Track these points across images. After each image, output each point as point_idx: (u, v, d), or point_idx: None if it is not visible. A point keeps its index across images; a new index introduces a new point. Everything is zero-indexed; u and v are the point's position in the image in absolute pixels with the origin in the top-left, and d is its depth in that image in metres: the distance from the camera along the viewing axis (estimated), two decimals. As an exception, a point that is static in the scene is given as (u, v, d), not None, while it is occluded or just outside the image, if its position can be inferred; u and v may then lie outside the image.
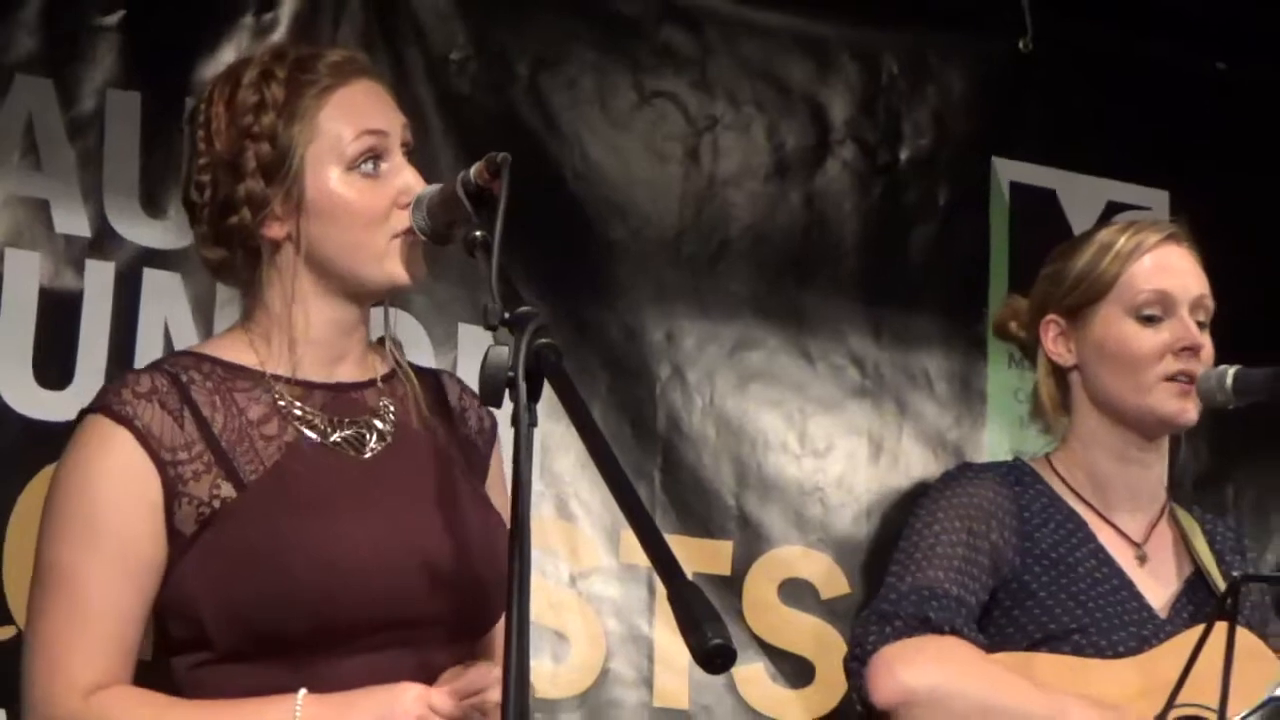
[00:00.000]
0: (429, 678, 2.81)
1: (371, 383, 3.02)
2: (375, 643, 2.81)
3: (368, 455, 2.95)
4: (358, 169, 2.93)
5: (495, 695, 2.72)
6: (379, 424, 2.98)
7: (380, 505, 2.88)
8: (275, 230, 2.92)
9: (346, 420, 2.96)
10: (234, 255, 2.97)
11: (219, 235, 2.96)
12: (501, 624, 2.77)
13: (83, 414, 2.89)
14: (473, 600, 2.88)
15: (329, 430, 2.94)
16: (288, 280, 2.95)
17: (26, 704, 2.81)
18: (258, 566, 2.78)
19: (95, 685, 2.78)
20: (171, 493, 2.82)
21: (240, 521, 2.82)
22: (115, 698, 2.79)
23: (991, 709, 3.35)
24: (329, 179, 2.92)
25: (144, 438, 2.82)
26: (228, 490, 2.83)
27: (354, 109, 2.96)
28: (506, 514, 3.00)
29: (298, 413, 2.93)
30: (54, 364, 3.93)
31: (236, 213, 2.92)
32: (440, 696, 2.77)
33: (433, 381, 3.13)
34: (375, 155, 2.94)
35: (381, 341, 3.09)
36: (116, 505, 2.82)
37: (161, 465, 2.82)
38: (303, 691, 2.75)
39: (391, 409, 3.00)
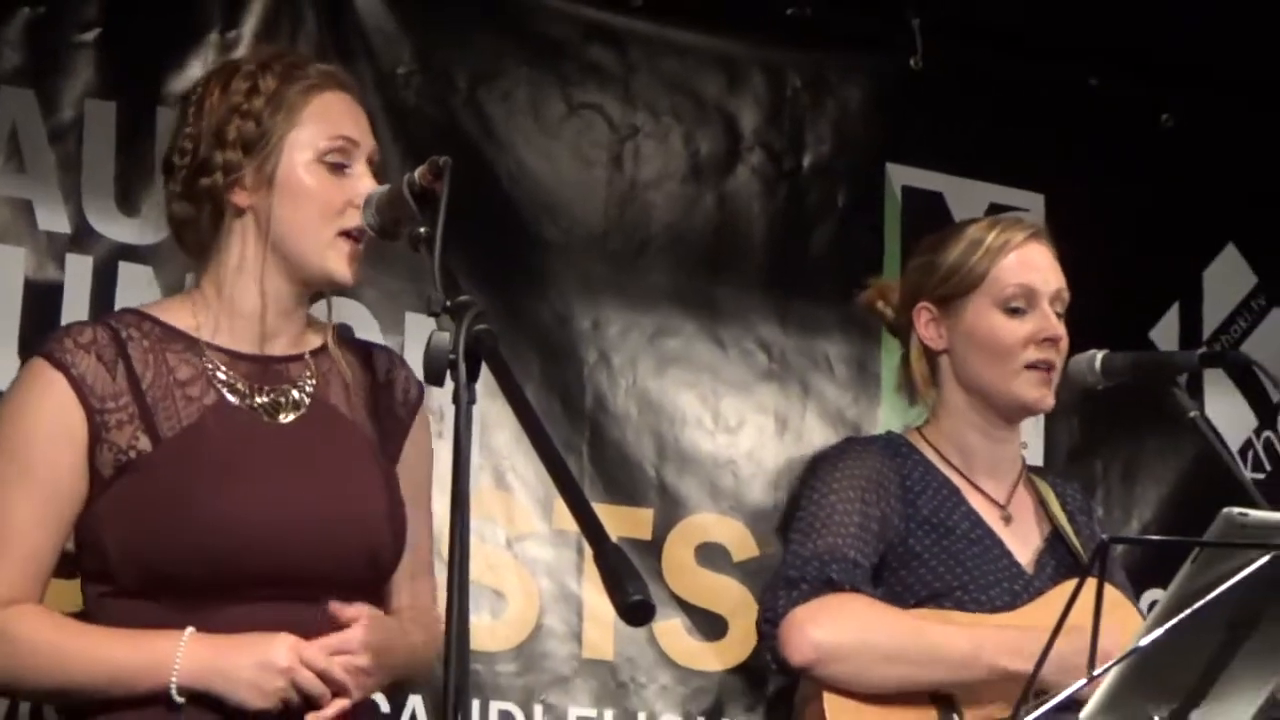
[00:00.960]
0: (314, 631, 2.82)
1: (299, 357, 3.01)
2: (264, 594, 2.82)
3: (282, 421, 2.95)
4: (325, 163, 2.94)
5: (361, 660, 2.82)
6: (296, 394, 2.98)
7: (283, 469, 2.89)
8: (242, 198, 2.94)
9: (267, 389, 2.96)
10: (200, 214, 2.97)
11: (191, 193, 2.97)
12: (394, 580, 2.89)
13: (32, 357, 2.92)
14: (360, 562, 2.89)
15: (249, 396, 2.94)
16: (241, 248, 2.96)
17: None
18: (160, 516, 2.80)
19: (8, 600, 2.81)
20: (95, 437, 2.84)
21: (151, 473, 2.84)
22: (24, 613, 2.81)
23: (904, 652, 3.35)
24: (298, 164, 2.94)
25: (77, 384, 2.85)
26: (145, 443, 2.85)
27: (333, 113, 2.99)
28: (428, 474, 3.11)
29: (222, 377, 2.93)
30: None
31: (210, 175, 2.94)
32: (311, 649, 2.79)
33: (364, 355, 3.12)
34: (343, 157, 2.96)
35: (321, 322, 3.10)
36: (45, 440, 2.85)
37: (90, 411, 2.84)
38: (189, 629, 2.77)
39: (312, 382, 3.00)
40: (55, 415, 2.85)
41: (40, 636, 2.80)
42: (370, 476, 2.97)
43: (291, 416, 2.96)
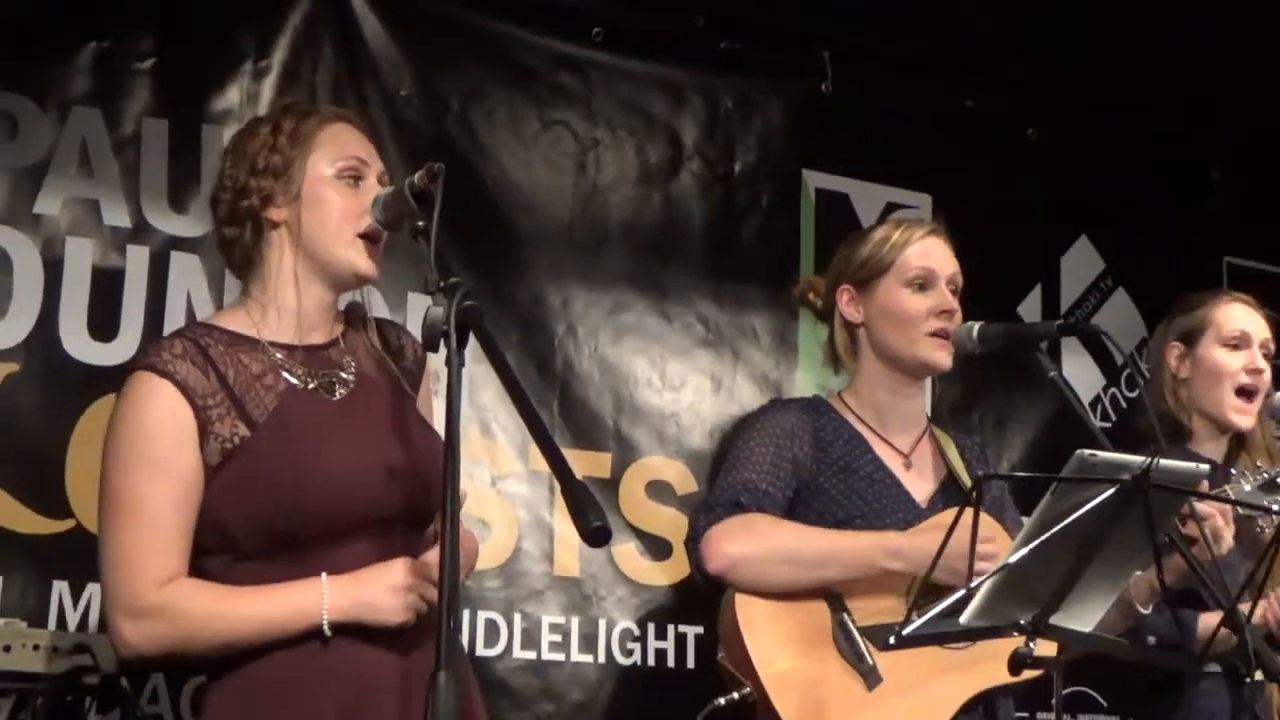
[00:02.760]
0: (399, 557, 2.82)
1: (334, 342, 2.99)
2: (357, 536, 2.81)
3: (338, 398, 2.93)
4: (341, 179, 2.94)
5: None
6: (343, 374, 2.96)
7: (353, 433, 2.87)
8: (276, 215, 2.92)
9: (319, 372, 2.93)
10: (243, 232, 2.95)
11: (233, 215, 2.95)
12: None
13: (130, 371, 2.86)
14: (422, 497, 2.87)
15: (308, 380, 2.91)
16: (280, 256, 2.94)
17: (113, 606, 2.77)
18: (274, 486, 2.77)
19: (167, 578, 2.76)
20: (203, 430, 2.80)
21: (255, 453, 2.80)
22: (184, 586, 2.77)
23: (799, 555, 3.35)
24: (319, 181, 2.92)
25: (182, 388, 2.80)
26: (244, 430, 2.81)
27: (343, 138, 2.98)
28: (435, 422, 3.03)
29: (284, 366, 2.90)
30: (103, 323, 3.90)
31: (248, 199, 2.92)
32: (419, 566, 2.79)
33: (377, 329, 3.10)
34: (356, 174, 2.95)
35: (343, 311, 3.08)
36: (165, 436, 2.79)
37: (196, 409, 2.80)
38: (323, 575, 2.75)
39: (352, 362, 2.98)
40: (169, 415, 2.80)
41: (201, 604, 2.76)
42: (414, 428, 2.96)
43: (344, 392, 2.93)
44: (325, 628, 2.74)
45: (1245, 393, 3.91)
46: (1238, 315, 3.96)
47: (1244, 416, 3.90)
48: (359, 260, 2.93)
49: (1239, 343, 3.94)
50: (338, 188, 2.93)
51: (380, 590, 2.76)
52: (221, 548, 2.81)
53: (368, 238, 2.93)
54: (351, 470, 2.81)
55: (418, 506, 2.88)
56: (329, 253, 2.93)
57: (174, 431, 2.79)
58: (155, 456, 2.78)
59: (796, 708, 3.26)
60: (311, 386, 2.91)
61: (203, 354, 2.85)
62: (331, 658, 2.75)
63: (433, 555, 2.78)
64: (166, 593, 2.75)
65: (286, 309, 2.94)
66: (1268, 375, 3.91)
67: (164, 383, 2.80)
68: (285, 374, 2.89)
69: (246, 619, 2.75)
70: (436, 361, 2.74)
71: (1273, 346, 3.95)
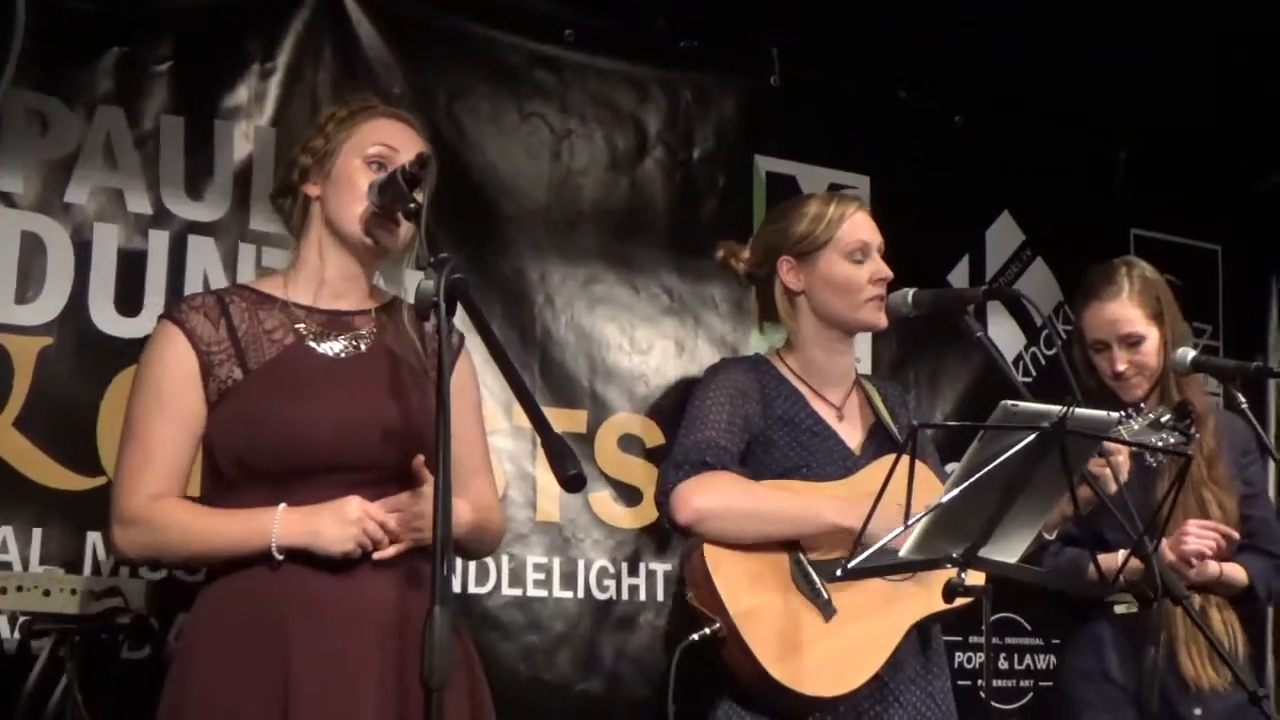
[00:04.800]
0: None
1: (364, 312, 3.03)
2: (330, 480, 2.82)
3: (343, 357, 2.95)
4: (369, 165, 2.97)
5: (411, 514, 2.83)
6: (359, 339, 2.98)
7: (338, 389, 2.89)
8: (311, 189, 3.01)
9: (335, 334, 2.96)
10: (287, 202, 3.05)
11: (282, 186, 3.07)
12: (460, 478, 2.81)
13: (159, 319, 2.96)
14: (397, 455, 2.87)
15: (321, 339, 2.95)
16: (313, 229, 3.02)
17: (114, 512, 2.85)
18: (247, 424, 2.83)
19: (158, 494, 2.83)
20: (206, 373, 2.88)
21: (242, 394, 2.86)
22: (167, 503, 2.84)
23: (759, 511, 3.36)
24: (349, 164, 2.98)
25: (190, 335, 2.89)
26: (238, 374, 2.87)
27: (381, 130, 3.03)
28: (475, 398, 3.14)
29: (300, 325, 2.95)
30: (128, 300, 3.87)
31: (292, 172, 3.03)
32: (373, 506, 2.81)
33: (415, 316, 3.06)
34: (383, 161, 2.98)
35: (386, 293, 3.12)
36: (171, 377, 2.88)
37: (200, 353, 2.88)
38: (281, 505, 2.79)
39: (373, 330, 3.01)
40: (177, 358, 2.88)
41: (177, 519, 2.82)
42: (405, 396, 2.94)
43: (351, 353, 2.96)
44: (274, 551, 2.76)
45: (1118, 377, 3.93)
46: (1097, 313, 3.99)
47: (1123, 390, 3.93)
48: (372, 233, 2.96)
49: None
50: (364, 170, 2.97)
51: (328, 520, 2.77)
52: (214, 475, 2.89)
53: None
54: (325, 417, 2.82)
55: (391, 462, 2.87)
56: (345, 227, 2.96)
57: (177, 371, 2.88)
58: (160, 391, 2.87)
59: (764, 638, 3.27)
60: (323, 347, 2.93)
61: (221, 308, 2.93)
62: (280, 581, 2.77)
63: (392, 500, 2.82)
64: (152, 506, 2.82)
65: (313, 274, 3.00)
66: (1130, 366, 3.91)
67: (176, 330, 2.90)
68: (297, 330, 2.93)
69: (209, 536, 2.80)
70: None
71: (1135, 322, 3.94)
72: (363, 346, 2.98)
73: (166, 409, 2.86)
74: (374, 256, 3.02)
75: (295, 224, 3.05)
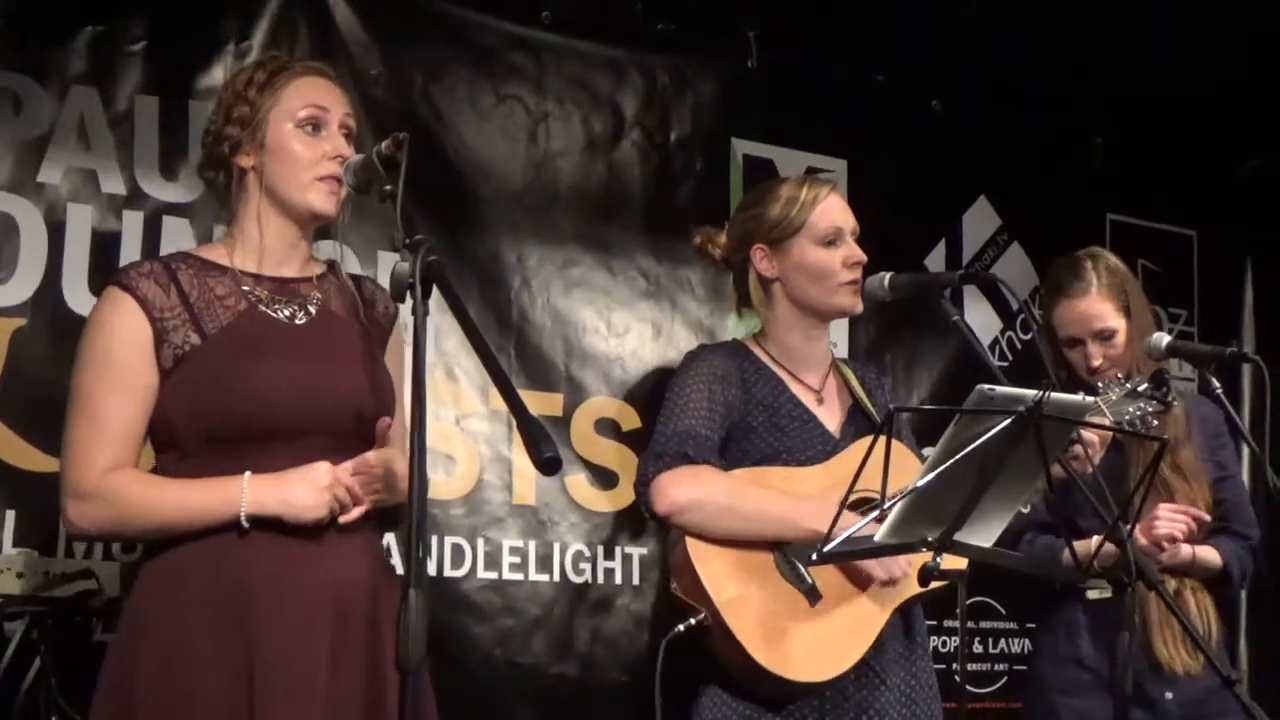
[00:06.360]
0: None
1: (308, 279, 3.02)
2: (292, 446, 2.81)
3: (297, 323, 2.94)
4: (303, 128, 2.96)
5: (375, 474, 2.83)
6: (308, 305, 2.98)
7: (296, 354, 2.88)
8: (245, 161, 2.97)
9: (284, 300, 2.96)
10: (219, 175, 3.01)
11: (211, 160, 3.02)
12: (384, 432, 2.85)
13: (106, 286, 2.91)
14: (356, 419, 2.87)
15: (271, 305, 2.94)
16: (251, 199, 2.98)
17: (63, 489, 2.82)
18: (209, 391, 2.80)
19: (108, 467, 2.79)
20: (159, 339, 2.84)
21: (201, 360, 2.83)
22: (123, 474, 2.81)
23: (735, 510, 3.37)
24: (282, 129, 2.96)
25: (142, 302, 2.85)
26: (195, 339, 2.85)
27: (307, 89, 3.00)
28: (404, 370, 3.07)
29: (249, 291, 2.93)
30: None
31: (221, 145, 2.98)
32: (340, 469, 2.81)
33: (354, 281, 3.13)
34: (316, 123, 2.98)
35: (326, 261, 3.10)
36: (121, 345, 2.83)
37: (152, 320, 2.84)
38: (248, 473, 2.77)
39: (318, 297, 3.00)
40: (127, 325, 2.84)
41: (135, 491, 2.79)
42: (358, 360, 2.96)
43: (303, 319, 2.95)
44: (242, 519, 2.74)
45: (1093, 372, 3.93)
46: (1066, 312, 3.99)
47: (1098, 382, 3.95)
48: (315, 200, 2.95)
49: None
50: (298, 136, 2.95)
51: (299, 487, 2.76)
52: (170, 444, 2.85)
53: (325, 180, 2.94)
54: (286, 383, 2.82)
55: (350, 427, 2.87)
56: (288, 195, 2.96)
57: (129, 339, 2.83)
58: (110, 359, 2.82)
59: (749, 626, 3.29)
60: (273, 311, 2.92)
61: (169, 274, 2.89)
62: (247, 550, 2.76)
63: (352, 462, 2.82)
64: (107, 479, 2.78)
65: (254, 243, 2.97)
66: (1105, 360, 3.93)
67: (126, 297, 2.85)
68: (248, 296, 2.91)
69: (170, 507, 2.76)
70: (404, 312, 2.74)
71: (1107, 316, 3.95)
72: (313, 311, 2.98)
73: (117, 378, 2.82)
74: (316, 223, 3.03)
75: (230, 195, 3.01)
